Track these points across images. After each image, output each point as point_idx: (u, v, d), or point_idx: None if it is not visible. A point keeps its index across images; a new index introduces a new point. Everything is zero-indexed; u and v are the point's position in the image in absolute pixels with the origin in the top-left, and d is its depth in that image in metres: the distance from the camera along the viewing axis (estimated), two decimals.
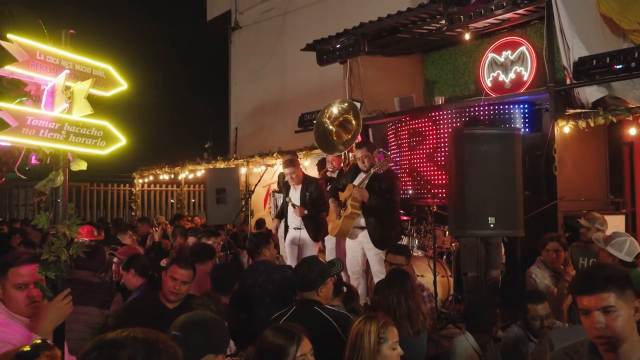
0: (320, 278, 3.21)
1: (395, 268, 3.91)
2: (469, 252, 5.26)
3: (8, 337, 2.38)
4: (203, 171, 11.70)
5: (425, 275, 5.54)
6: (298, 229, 6.26)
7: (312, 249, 6.28)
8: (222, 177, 6.82)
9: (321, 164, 7.58)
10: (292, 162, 6.47)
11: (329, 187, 6.29)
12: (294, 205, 6.22)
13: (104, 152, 2.58)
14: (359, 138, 7.45)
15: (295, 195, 6.37)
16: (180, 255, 5.28)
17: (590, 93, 5.87)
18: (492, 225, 3.91)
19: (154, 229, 8.30)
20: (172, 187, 14.64)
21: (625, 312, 1.92)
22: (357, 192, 5.39)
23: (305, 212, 6.17)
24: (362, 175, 5.64)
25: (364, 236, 5.57)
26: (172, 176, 13.27)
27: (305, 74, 10.75)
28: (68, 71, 2.43)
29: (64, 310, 2.38)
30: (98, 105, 2.62)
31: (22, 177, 2.40)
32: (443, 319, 5.16)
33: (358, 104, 8.07)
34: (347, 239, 5.78)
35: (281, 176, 7.20)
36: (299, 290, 3.25)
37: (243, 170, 11.01)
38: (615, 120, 5.57)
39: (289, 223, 6.40)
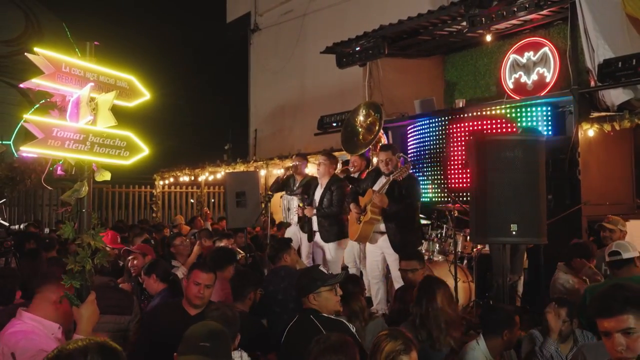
0: (312, 286, 3.25)
1: (429, 275, 3.87)
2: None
3: (41, 345, 2.42)
4: (223, 173, 11.79)
5: (446, 280, 5.48)
6: (316, 231, 6.25)
7: (331, 251, 6.22)
8: (242, 181, 6.85)
9: (346, 164, 7.59)
10: (327, 153, 6.58)
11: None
12: (303, 207, 6.25)
13: (127, 162, 2.62)
14: (384, 140, 7.41)
15: (317, 192, 6.34)
16: (201, 259, 5.32)
17: (616, 95, 5.77)
18: (514, 233, 3.86)
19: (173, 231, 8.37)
20: (192, 188, 14.78)
21: None
22: (377, 198, 5.35)
23: (314, 212, 6.17)
24: (382, 180, 5.61)
25: (384, 241, 5.54)
26: (193, 178, 13.40)
27: (325, 76, 10.75)
28: (93, 84, 2.46)
29: (96, 309, 2.44)
30: (120, 110, 2.65)
31: (49, 187, 2.44)
32: (464, 326, 5.10)
33: None
34: (368, 244, 5.76)
35: (291, 179, 7.03)
36: (299, 296, 3.36)
37: (262, 172, 11.06)
38: None
39: (313, 226, 6.39)
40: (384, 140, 7.50)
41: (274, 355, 3.40)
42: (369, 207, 5.48)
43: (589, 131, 5.81)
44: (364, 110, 6.76)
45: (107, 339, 1.69)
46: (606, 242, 5.03)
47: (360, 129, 6.68)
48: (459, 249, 5.81)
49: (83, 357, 1.52)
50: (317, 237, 6.27)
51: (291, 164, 7.00)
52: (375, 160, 7.26)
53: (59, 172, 2.48)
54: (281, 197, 7.31)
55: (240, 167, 11.28)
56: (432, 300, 3.36)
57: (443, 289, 3.45)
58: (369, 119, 6.65)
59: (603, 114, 5.80)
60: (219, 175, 12.38)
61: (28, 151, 2.35)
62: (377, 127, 6.48)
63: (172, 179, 13.87)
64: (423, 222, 6.36)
